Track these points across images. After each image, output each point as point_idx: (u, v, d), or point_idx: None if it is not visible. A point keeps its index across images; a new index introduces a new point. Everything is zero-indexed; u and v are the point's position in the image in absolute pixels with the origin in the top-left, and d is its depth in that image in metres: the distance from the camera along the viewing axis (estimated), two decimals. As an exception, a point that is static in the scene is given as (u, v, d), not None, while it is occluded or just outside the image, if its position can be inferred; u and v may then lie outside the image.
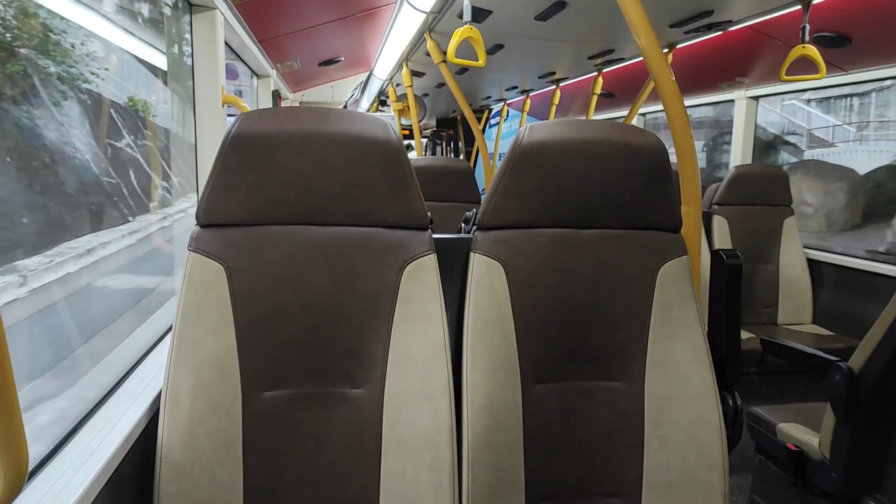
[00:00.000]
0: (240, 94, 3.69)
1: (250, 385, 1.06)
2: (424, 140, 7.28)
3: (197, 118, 1.88)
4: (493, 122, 6.22)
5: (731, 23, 2.36)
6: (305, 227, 1.11)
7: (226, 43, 2.35)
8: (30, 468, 0.82)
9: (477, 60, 2.10)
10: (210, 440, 1.01)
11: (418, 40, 2.90)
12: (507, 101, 5.48)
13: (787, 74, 2.22)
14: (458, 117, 6.62)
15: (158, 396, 1.03)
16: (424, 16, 2.48)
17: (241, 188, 1.08)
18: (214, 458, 1.01)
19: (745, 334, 2.66)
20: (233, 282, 1.07)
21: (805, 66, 2.17)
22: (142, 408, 1.02)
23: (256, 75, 3.44)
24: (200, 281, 1.06)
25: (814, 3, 2.05)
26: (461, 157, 6.58)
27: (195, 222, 1.09)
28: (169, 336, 1.05)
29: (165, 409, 1.01)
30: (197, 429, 1.01)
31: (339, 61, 4.06)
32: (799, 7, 2.08)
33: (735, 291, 1.24)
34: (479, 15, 2.26)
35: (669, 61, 2.73)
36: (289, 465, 1.06)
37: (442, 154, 7.06)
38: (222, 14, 1.91)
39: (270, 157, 1.08)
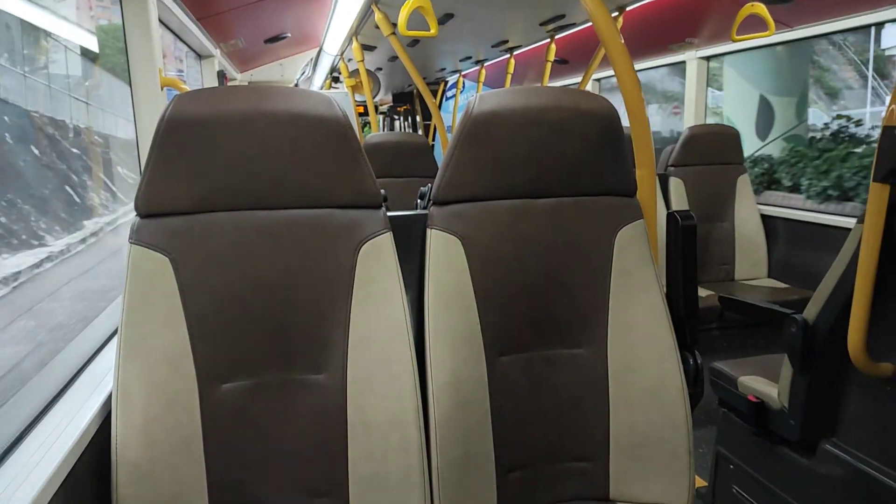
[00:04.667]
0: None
1: (207, 378, 1.02)
2: (381, 116, 7.16)
3: (135, 103, 1.78)
4: (449, 94, 6.14)
5: None
6: (253, 212, 1.07)
7: (162, 23, 2.23)
8: None
9: (429, 31, 2.04)
10: (168, 438, 0.98)
11: (366, 13, 2.81)
12: (463, 73, 5.40)
13: (737, 34, 2.22)
14: (415, 91, 6.51)
15: (110, 398, 0.99)
16: None
17: (180, 174, 1.03)
18: (174, 456, 0.98)
19: (704, 291, 2.72)
20: (180, 273, 1.02)
21: (755, 25, 2.18)
22: (93, 409, 0.98)
23: (199, 56, 3.29)
24: (145, 274, 1.01)
25: None
26: (419, 131, 6.49)
27: (135, 213, 1.04)
28: (116, 335, 1.01)
29: (117, 410, 0.96)
30: (153, 427, 0.97)
31: (285, 37, 3.92)
32: None
33: (691, 252, 1.26)
34: None
35: (620, 25, 2.72)
36: (253, 456, 1.03)
37: (400, 130, 6.95)
38: None
39: (209, 140, 1.02)
